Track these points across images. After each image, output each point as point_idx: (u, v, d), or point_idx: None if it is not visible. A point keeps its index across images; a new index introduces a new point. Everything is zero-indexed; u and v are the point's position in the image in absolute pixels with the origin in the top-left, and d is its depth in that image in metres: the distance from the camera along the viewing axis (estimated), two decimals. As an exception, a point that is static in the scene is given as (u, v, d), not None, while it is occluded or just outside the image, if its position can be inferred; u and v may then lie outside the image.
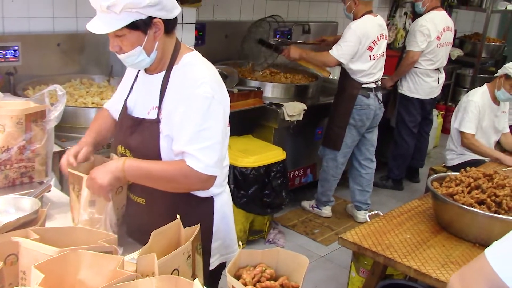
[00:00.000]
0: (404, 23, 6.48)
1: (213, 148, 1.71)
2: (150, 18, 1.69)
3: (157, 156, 1.77)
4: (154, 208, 1.86)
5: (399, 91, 5.08)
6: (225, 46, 4.65)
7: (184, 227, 1.51)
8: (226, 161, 1.95)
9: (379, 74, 4.18)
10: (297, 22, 5.22)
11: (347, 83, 4.11)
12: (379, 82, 4.21)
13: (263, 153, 3.78)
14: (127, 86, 1.96)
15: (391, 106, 5.19)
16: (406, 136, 5.09)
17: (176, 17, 1.78)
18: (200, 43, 4.33)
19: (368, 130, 4.31)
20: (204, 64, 1.80)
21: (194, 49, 1.86)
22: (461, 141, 4.13)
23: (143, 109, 1.84)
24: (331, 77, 4.90)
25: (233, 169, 3.64)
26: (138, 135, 1.81)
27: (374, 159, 4.45)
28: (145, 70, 1.87)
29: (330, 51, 4.00)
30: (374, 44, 4.01)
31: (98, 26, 1.67)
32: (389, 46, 6.16)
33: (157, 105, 1.78)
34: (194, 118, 1.70)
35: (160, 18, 1.71)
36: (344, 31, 4.04)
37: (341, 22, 5.60)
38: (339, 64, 4.03)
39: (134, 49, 1.72)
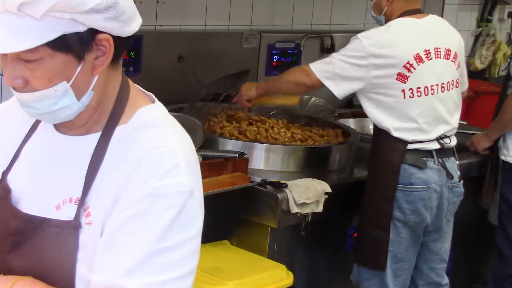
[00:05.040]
0: (509, 33, 5.39)
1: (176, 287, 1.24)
2: (93, 33, 1.21)
3: None
4: None
5: (502, 157, 3.74)
6: (178, 76, 3.58)
7: None
8: None
9: (445, 126, 3.19)
10: (309, 33, 4.05)
11: (380, 143, 3.15)
12: (449, 140, 3.18)
13: (252, 275, 3.13)
14: (6, 147, 1.40)
15: (489, 186, 3.91)
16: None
17: (131, 37, 1.30)
18: (133, 72, 3.38)
19: (433, 233, 3.29)
20: (172, 127, 1.33)
21: (154, 97, 1.37)
22: None
23: (46, 200, 1.30)
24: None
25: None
26: (31, 249, 1.28)
27: (444, 281, 3.37)
28: (57, 125, 1.35)
29: (310, 64, 3.21)
30: (409, 70, 3.03)
31: None
32: (480, 74, 5.17)
33: (79, 195, 1.26)
34: (151, 229, 1.20)
35: (111, 34, 1.23)
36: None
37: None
38: (321, 85, 3.11)
39: (54, 86, 1.20)
